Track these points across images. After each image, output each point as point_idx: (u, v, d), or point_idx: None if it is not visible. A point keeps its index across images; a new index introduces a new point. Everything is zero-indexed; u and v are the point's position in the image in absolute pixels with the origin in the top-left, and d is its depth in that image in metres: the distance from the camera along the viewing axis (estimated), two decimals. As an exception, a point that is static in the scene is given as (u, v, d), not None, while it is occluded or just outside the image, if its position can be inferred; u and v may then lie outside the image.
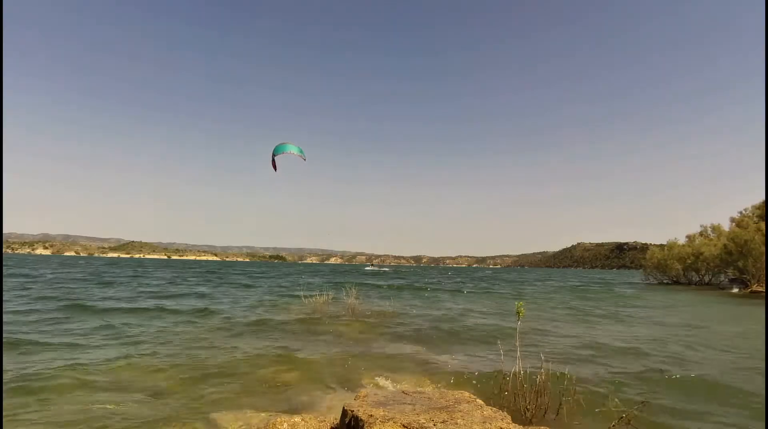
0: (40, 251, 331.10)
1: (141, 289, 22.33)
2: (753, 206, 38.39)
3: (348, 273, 57.34)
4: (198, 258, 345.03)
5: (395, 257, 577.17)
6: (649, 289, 37.66)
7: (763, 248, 31.42)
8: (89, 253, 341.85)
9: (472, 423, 3.25)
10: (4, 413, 4.61)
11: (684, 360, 8.08)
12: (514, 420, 3.78)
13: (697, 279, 46.81)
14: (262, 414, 4.92)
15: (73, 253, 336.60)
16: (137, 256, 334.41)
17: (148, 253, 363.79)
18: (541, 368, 5.20)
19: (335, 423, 4.11)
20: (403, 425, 3.19)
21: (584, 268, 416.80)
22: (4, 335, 8.34)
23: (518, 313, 5.47)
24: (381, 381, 6.35)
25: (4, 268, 39.27)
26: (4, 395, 5.12)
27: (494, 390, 5.58)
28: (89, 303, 14.83)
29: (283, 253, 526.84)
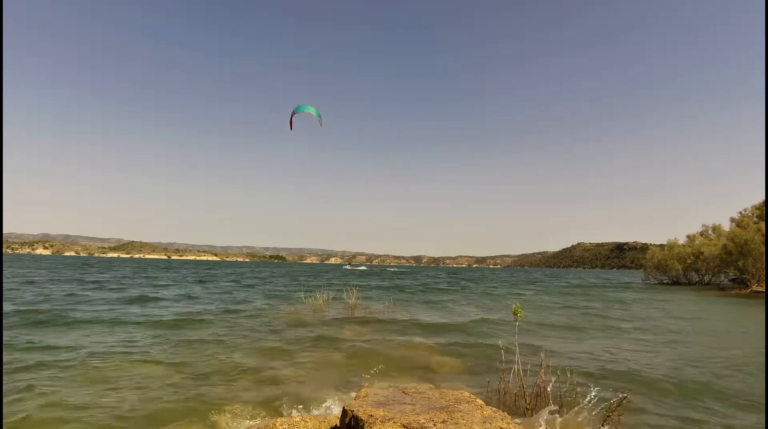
0: (40, 251, 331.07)
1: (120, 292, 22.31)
2: (753, 206, 38.39)
3: (321, 274, 53.28)
4: (198, 258, 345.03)
5: (395, 257, 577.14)
6: (652, 289, 37.64)
7: (763, 248, 31.43)
8: (89, 253, 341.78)
9: (472, 423, 3.25)
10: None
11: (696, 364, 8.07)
12: (515, 420, 3.78)
13: (698, 279, 46.81)
14: (262, 414, 4.92)
15: (73, 253, 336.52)
16: (137, 256, 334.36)
17: (148, 253, 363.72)
18: (541, 368, 5.20)
19: (335, 423, 4.11)
20: (403, 425, 3.19)
21: (584, 268, 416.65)
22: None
23: (516, 313, 5.47)
24: (381, 381, 6.34)
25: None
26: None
27: (494, 390, 5.58)
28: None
29: (283, 253, 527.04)
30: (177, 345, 8.38)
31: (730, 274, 39.00)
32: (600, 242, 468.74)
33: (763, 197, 38.07)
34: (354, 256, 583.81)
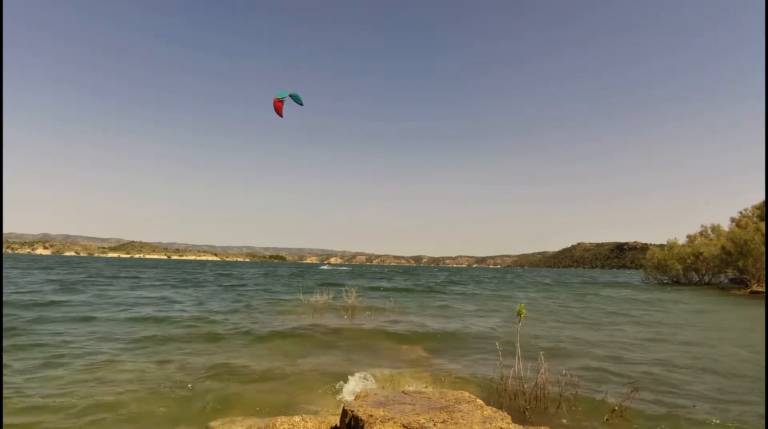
0: (40, 251, 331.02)
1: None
2: (753, 206, 38.41)
3: (294, 275, 47.46)
4: (198, 258, 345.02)
5: (395, 257, 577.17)
6: (656, 289, 37.66)
7: (763, 248, 31.43)
8: (89, 253, 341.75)
9: (472, 423, 3.25)
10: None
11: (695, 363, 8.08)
12: (514, 420, 3.78)
13: (697, 279, 46.81)
14: (262, 414, 4.93)
15: (73, 253, 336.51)
16: (137, 256, 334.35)
17: (148, 253, 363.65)
18: (541, 368, 5.21)
19: (335, 423, 4.11)
20: (403, 425, 3.19)
21: (584, 268, 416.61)
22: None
23: (519, 314, 5.49)
24: (381, 380, 6.34)
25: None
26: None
27: (494, 390, 5.59)
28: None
29: (283, 253, 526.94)
30: (175, 343, 8.39)
31: (730, 274, 39.00)
32: (600, 242, 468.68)
33: (763, 197, 38.11)
34: (354, 256, 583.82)
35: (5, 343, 7.76)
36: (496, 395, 5.41)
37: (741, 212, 39.19)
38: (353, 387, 5.89)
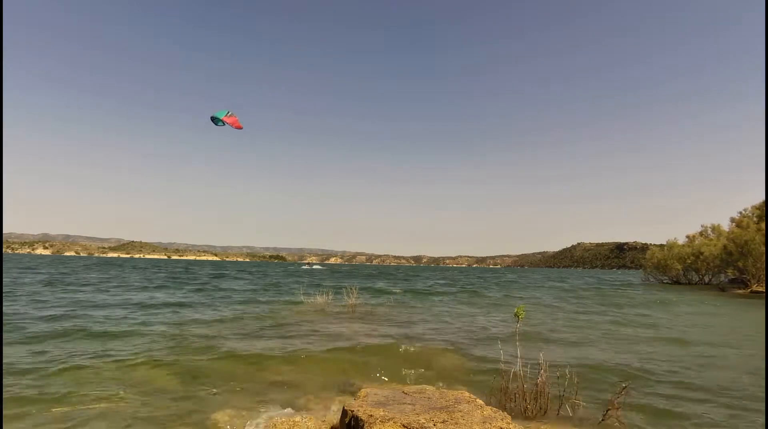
0: (40, 251, 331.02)
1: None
2: (753, 206, 38.39)
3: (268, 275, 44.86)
4: (198, 258, 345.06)
5: (395, 257, 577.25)
6: (656, 289, 37.66)
7: (763, 248, 31.42)
8: (89, 253, 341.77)
9: (472, 423, 3.26)
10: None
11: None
12: (514, 420, 3.79)
13: (697, 279, 46.81)
14: (262, 413, 4.93)
15: (73, 253, 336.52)
16: (137, 256, 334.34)
17: (148, 253, 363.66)
18: (541, 368, 5.21)
19: (335, 423, 4.11)
20: (403, 425, 3.20)
21: (584, 268, 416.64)
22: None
23: (518, 315, 5.49)
24: (381, 381, 6.35)
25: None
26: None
27: (494, 390, 5.59)
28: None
29: (283, 253, 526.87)
30: (175, 342, 8.39)
31: (730, 274, 38.99)
32: (600, 242, 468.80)
33: (763, 197, 38.10)
34: (354, 256, 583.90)
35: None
36: (496, 395, 5.42)
37: (741, 212, 39.18)
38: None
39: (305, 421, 4.12)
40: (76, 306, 13.87)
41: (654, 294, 29.30)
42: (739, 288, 33.54)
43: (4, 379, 5.62)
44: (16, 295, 16.37)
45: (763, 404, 5.39)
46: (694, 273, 47.00)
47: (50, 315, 11.62)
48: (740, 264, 34.20)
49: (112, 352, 7.52)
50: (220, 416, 4.81)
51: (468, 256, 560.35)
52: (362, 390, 4.33)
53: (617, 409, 4.67)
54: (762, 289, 30.62)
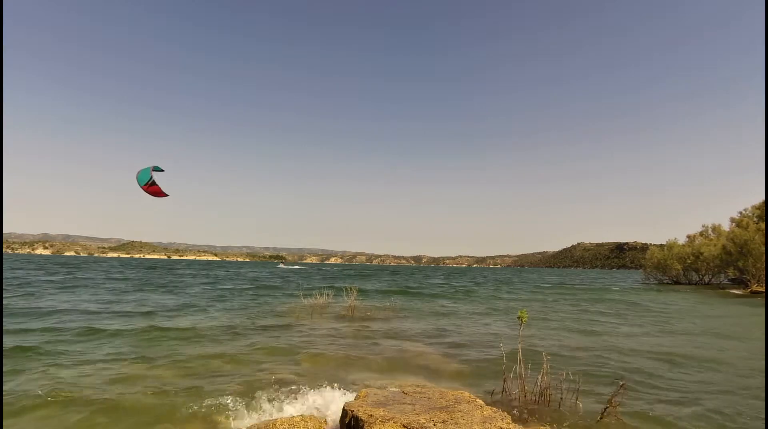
0: (40, 251, 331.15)
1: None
2: (753, 206, 38.43)
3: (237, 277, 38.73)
4: (198, 258, 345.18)
5: (395, 257, 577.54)
6: (657, 289, 37.67)
7: (763, 248, 31.45)
8: (89, 253, 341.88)
9: (472, 423, 3.26)
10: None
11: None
12: (514, 420, 3.79)
13: (697, 279, 46.85)
14: (262, 413, 4.93)
15: (73, 253, 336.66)
16: (137, 256, 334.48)
17: (148, 253, 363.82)
18: (541, 368, 5.21)
19: (335, 423, 4.12)
20: (403, 425, 3.20)
21: (584, 268, 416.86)
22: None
23: (521, 318, 5.50)
24: (381, 381, 6.35)
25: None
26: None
27: (494, 390, 5.59)
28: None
29: (283, 253, 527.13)
30: (174, 341, 8.39)
31: (730, 274, 39.03)
32: (600, 242, 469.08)
33: (763, 197, 38.12)
34: (354, 256, 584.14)
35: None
36: (496, 395, 5.42)
37: (741, 212, 39.23)
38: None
39: (305, 421, 4.11)
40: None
41: (655, 294, 29.31)
42: (739, 288, 33.56)
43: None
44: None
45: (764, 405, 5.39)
46: (694, 273, 47.05)
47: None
48: (740, 264, 34.23)
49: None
50: (219, 416, 4.81)
51: (468, 256, 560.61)
52: (362, 390, 4.33)
53: (616, 406, 4.68)
54: (762, 289, 30.64)
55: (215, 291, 22.20)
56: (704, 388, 6.21)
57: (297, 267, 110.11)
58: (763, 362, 7.67)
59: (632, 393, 5.73)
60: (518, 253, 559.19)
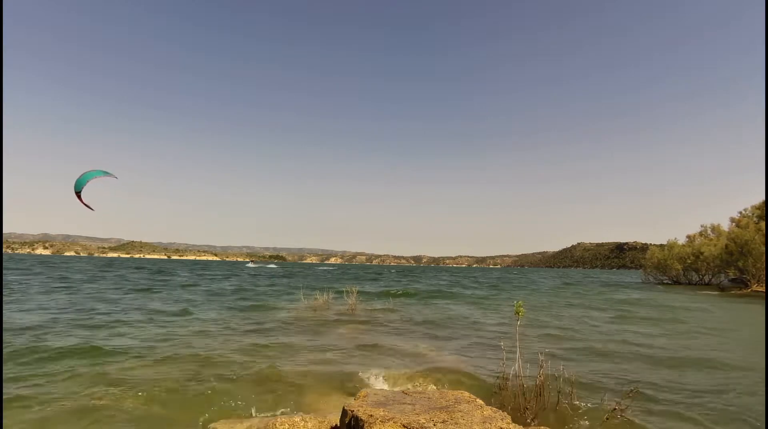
0: (40, 251, 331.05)
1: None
2: (753, 206, 38.43)
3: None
4: (198, 258, 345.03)
5: (395, 257, 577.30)
6: (658, 290, 37.65)
7: (763, 248, 31.43)
8: (89, 253, 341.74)
9: (472, 423, 3.26)
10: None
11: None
12: (514, 420, 3.78)
13: (697, 279, 46.82)
14: (262, 414, 4.92)
15: (73, 253, 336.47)
16: (137, 256, 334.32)
17: (148, 253, 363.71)
18: (541, 368, 5.20)
19: (335, 423, 4.11)
20: (403, 425, 3.19)
21: (584, 267, 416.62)
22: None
23: (518, 313, 5.46)
24: (381, 381, 6.35)
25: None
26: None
27: (494, 390, 5.58)
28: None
29: (283, 253, 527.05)
30: (174, 340, 8.37)
31: (730, 274, 39.01)
32: (600, 242, 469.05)
33: (763, 197, 38.11)
34: (354, 256, 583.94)
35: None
36: (496, 395, 5.41)
37: (741, 212, 39.23)
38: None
39: (305, 421, 4.11)
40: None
41: (656, 295, 29.29)
42: (740, 288, 33.54)
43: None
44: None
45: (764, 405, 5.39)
46: (694, 273, 47.01)
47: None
48: (740, 264, 34.21)
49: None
50: (220, 416, 4.81)
51: (468, 256, 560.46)
52: (362, 390, 4.33)
53: (622, 410, 4.65)
54: (762, 289, 30.62)
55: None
56: (709, 390, 6.20)
57: (271, 266, 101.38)
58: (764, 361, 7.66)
59: (639, 395, 5.73)
60: (518, 253, 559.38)
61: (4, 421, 4.47)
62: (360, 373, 6.68)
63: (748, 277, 33.33)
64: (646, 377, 6.72)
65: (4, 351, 7.20)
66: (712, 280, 45.28)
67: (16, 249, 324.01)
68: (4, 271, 31.98)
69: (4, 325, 9.34)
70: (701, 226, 48.32)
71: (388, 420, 3.26)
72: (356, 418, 3.42)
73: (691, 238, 48.28)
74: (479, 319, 13.96)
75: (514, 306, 5.49)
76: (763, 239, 31.56)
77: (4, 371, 6.07)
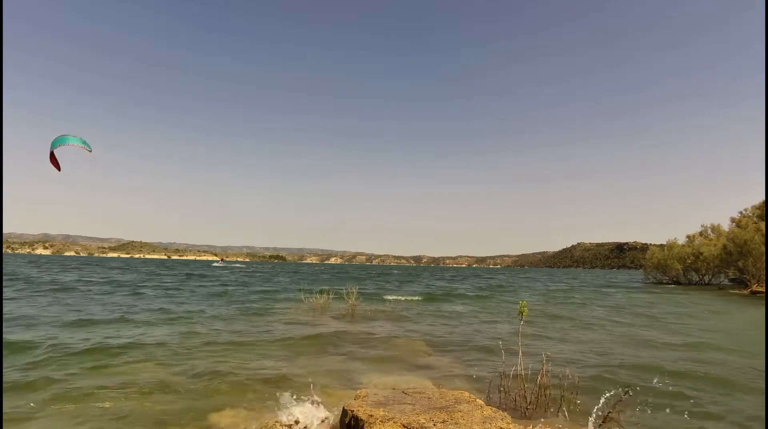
0: (40, 251, 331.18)
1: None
2: (753, 206, 38.46)
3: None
4: (198, 258, 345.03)
5: (395, 257, 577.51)
6: (657, 290, 37.66)
7: (763, 248, 31.43)
8: (89, 253, 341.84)
9: (472, 423, 3.26)
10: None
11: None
12: (514, 420, 3.79)
13: (697, 279, 46.84)
14: (261, 414, 4.92)
15: (73, 253, 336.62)
16: (137, 256, 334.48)
17: (148, 253, 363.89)
18: (541, 368, 5.21)
19: (335, 423, 4.12)
20: (403, 425, 3.20)
21: (584, 267, 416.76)
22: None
23: (521, 313, 5.48)
24: (380, 381, 6.35)
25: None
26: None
27: (494, 390, 5.58)
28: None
29: (283, 253, 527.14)
30: (174, 341, 8.37)
31: (730, 274, 39.02)
32: (600, 242, 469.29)
33: (763, 197, 38.14)
34: (354, 256, 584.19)
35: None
36: (496, 395, 5.41)
37: (741, 212, 39.26)
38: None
39: (305, 422, 4.11)
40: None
41: (655, 294, 29.30)
42: (739, 288, 33.54)
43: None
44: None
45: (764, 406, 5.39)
46: (694, 273, 47.04)
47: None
48: (740, 264, 34.22)
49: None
50: (220, 416, 4.81)
51: (468, 256, 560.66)
52: (362, 390, 4.33)
53: (619, 412, 4.64)
54: (762, 289, 30.63)
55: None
56: (713, 391, 6.20)
57: (237, 265, 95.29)
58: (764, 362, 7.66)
59: (640, 395, 5.73)
60: (518, 253, 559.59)
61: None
62: (359, 374, 6.68)
63: (748, 277, 33.33)
64: (647, 377, 6.72)
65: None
66: (712, 280, 45.30)
67: (16, 249, 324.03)
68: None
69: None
70: (701, 226, 48.40)
71: (388, 420, 3.26)
72: (356, 418, 3.42)
73: (691, 238, 48.31)
74: (479, 319, 13.97)
75: (518, 306, 5.49)
76: (763, 239, 31.56)
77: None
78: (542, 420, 4.84)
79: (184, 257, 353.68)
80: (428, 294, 24.01)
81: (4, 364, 6.50)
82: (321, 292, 16.07)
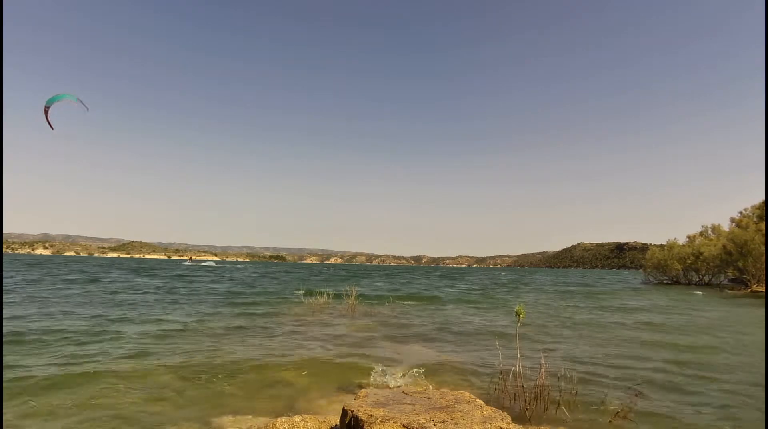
0: (40, 251, 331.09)
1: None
2: (753, 206, 38.48)
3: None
4: (198, 258, 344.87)
5: (395, 257, 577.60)
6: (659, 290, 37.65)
7: (763, 248, 31.44)
8: (89, 253, 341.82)
9: (472, 423, 3.26)
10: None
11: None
12: (514, 420, 3.79)
13: (697, 279, 46.84)
14: (262, 414, 4.92)
15: (73, 253, 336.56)
16: (137, 256, 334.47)
17: (148, 253, 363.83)
18: (541, 368, 5.20)
19: (335, 423, 4.11)
20: (403, 425, 3.20)
21: (584, 267, 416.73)
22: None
23: (518, 314, 5.48)
24: (380, 381, 6.35)
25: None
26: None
27: (494, 390, 5.59)
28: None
29: (283, 253, 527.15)
30: (173, 343, 8.37)
31: (730, 274, 39.03)
32: (600, 242, 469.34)
33: (763, 197, 38.14)
34: (354, 256, 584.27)
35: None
36: (496, 395, 5.41)
37: (741, 212, 39.28)
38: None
39: (305, 422, 4.11)
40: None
41: (657, 295, 29.29)
42: (739, 288, 33.54)
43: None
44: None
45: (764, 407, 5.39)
46: (694, 273, 47.04)
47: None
48: (740, 264, 34.23)
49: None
50: (221, 417, 4.81)
51: (468, 256, 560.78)
52: (362, 390, 4.33)
53: (626, 412, 4.64)
54: (762, 289, 30.63)
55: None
56: (717, 389, 6.20)
57: (207, 263, 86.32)
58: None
59: (640, 396, 5.73)
60: (518, 253, 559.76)
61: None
62: (358, 374, 6.68)
63: (748, 277, 33.34)
64: (649, 380, 6.72)
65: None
66: (712, 280, 45.30)
67: (16, 249, 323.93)
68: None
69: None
70: (701, 226, 48.42)
71: (388, 420, 3.26)
72: (356, 418, 3.42)
73: (691, 238, 48.32)
74: (478, 319, 13.96)
75: (516, 307, 5.49)
76: (763, 239, 31.56)
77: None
78: (542, 419, 4.84)
79: (184, 257, 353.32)
80: (428, 294, 24.02)
81: (4, 366, 6.50)
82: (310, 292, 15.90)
